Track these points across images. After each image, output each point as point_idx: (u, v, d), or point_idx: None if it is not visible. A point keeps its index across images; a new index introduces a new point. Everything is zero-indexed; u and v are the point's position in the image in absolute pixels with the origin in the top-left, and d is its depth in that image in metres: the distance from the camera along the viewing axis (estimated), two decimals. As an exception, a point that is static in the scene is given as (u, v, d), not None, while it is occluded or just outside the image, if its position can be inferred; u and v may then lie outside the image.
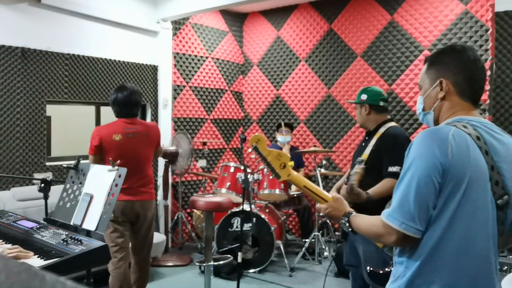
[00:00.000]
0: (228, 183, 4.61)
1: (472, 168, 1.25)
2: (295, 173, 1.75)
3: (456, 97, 1.40)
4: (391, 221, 1.28)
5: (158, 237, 4.52)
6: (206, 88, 5.97)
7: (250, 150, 1.70)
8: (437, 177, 1.24)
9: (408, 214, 1.26)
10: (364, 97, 2.82)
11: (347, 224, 1.53)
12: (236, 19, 6.37)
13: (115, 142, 3.16)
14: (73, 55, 4.54)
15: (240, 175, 4.50)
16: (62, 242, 2.05)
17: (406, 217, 1.26)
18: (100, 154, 3.16)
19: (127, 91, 3.23)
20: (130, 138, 3.21)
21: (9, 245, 2.03)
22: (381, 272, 2.26)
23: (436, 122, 1.46)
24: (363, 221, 1.46)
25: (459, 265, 1.26)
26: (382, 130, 2.74)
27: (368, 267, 2.32)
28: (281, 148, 5.38)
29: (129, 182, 3.04)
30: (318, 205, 1.67)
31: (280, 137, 5.39)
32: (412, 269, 1.30)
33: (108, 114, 4.98)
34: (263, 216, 4.46)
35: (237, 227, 4.49)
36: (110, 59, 4.88)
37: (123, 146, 3.18)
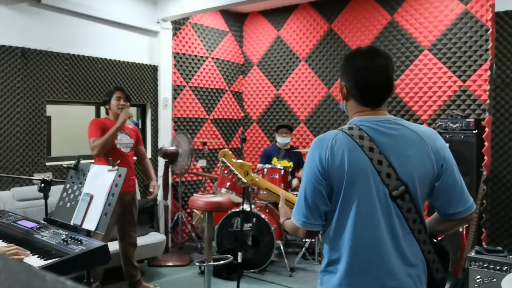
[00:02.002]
0: (228, 183, 4.60)
1: (349, 168, 1.38)
2: (257, 178, 2.12)
3: (352, 100, 1.50)
4: (294, 219, 1.50)
5: (158, 237, 4.52)
6: (206, 88, 5.96)
7: (220, 164, 2.14)
8: (320, 182, 1.41)
9: (302, 213, 1.46)
10: None
11: (282, 226, 1.73)
12: (236, 19, 6.37)
13: None
14: (73, 55, 4.54)
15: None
16: (62, 242, 2.05)
17: (301, 214, 1.46)
18: None
19: None
20: None
21: (6, 245, 2.03)
22: None
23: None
24: (287, 223, 1.64)
25: (353, 255, 1.39)
26: None
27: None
28: (279, 149, 5.37)
29: None
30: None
31: (279, 139, 5.39)
32: (326, 258, 1.47)
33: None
34: (263, 216, 4.46)
35: (237, 227, 4.49)
36: (110, 59, 4.88)
37: None
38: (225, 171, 2.14)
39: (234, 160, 2.13)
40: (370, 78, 1.45)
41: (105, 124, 3.66)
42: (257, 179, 2.11)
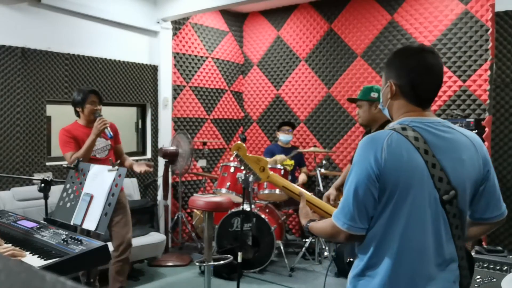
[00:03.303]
0: (228, 183, 4.60)
1: (406, 170, 1.33)
2: (275, 176, 1.95)
3: (402, 99, 1.46)
4: (336, 222, 1.41)
5: (158, 237, 4.52)
6: (206, 88, 5.96)
7: (232, 158, 1.96)
8: (373, 183, 1.35)
9: (349, 215, 1.38)
10: (375, 95, 2.75)
11: (307, 230, 1.65)
12: (236, 19, 6.37)
13: None
14: (73, 55, 4.54)
15: (240, 175, 4.48)
16: (62, 242, 2.05)
17: (348, 217, 1.38)
18: None
19: None
20: None
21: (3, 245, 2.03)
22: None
23: (391, 117, 1.53)
24: (317, 226, 1.58)
25: (399, 260, 1.37)
26: None
27: (348, 258, 2.40)
28: (281, 148, 5.37)
29: None
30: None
31: (282, 136, 5.38)
32: (363, 261, 1.43)
33: (108, 114, 4.98)
34: (263, 216, 4.46)
35: (237, 227, 4.49)
36: (110, 59, 4.88)
37: None
38: (240, 165, 1.95)
39: (249, 155, 1.97)
40: (426, 76, 1.42)
41: (74, 135, 3.37)
42: (274, 176, 1.95)
